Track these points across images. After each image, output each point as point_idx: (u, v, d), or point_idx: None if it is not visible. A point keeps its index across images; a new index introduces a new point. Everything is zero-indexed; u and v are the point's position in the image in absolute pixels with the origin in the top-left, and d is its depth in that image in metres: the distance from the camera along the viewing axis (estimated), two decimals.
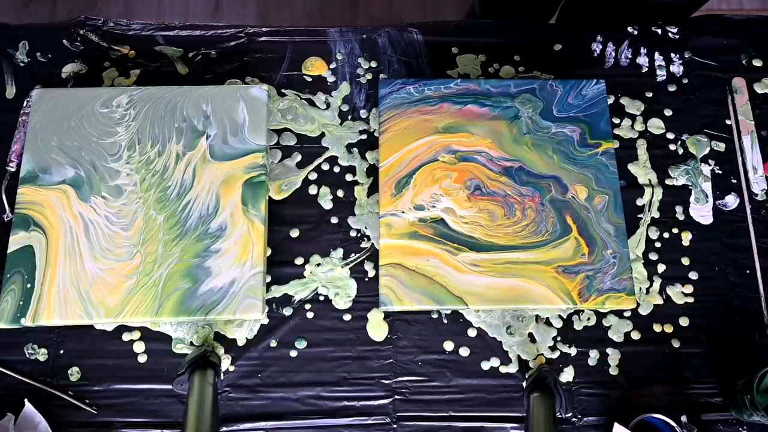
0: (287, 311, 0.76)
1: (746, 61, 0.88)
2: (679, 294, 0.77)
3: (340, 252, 0.78)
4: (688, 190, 0.82)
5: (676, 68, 0.87)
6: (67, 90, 0.80)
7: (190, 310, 0.70)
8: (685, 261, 0.79)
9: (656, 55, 0.88)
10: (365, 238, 0.79)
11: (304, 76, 0.86)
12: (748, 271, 0.79)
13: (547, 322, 0.76)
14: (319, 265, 0.78)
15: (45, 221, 0.72)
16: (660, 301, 0.77)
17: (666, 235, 0.80)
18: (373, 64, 0.87)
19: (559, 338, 0.76)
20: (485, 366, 0.75)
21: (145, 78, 0.85)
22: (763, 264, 0.79)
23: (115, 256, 0.71)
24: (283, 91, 0.85)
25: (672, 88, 0.86)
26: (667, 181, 0.82)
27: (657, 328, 0.76)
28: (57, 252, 0.71)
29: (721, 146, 0.84)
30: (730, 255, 0.79)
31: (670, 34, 0.89)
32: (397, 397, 0.74)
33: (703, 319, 0.77)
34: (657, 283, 0.78)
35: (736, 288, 0.78)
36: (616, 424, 0.68)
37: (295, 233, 0.79)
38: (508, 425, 0.73)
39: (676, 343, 0.75)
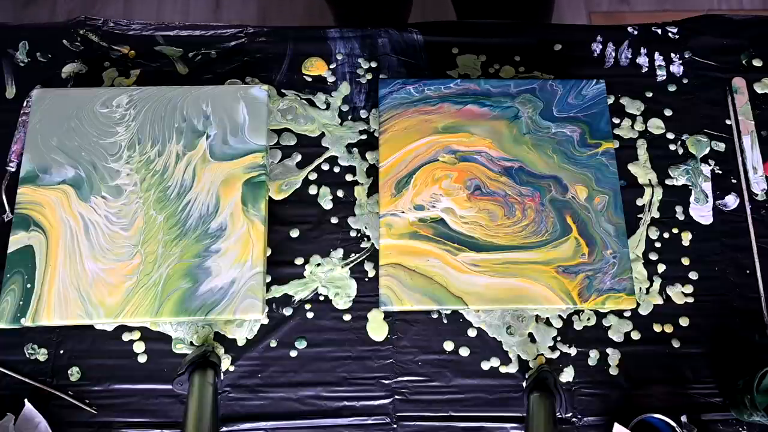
0: (287, 311, 0.76)
1: (746, 61, 0.88)
2: (679, 294, 0.77)
3: (340, 252, 0.78)
4: (688, 190, 0.82)
5: (676, 68, 0.87)
6: (67, 90, 0.80)
7: (190, 310, 0.70)
8: (685, 261, 0.79)
9: (656, 55, 0.88)
10: (365, 238, 0.79)
11: (304, 76, 0.86)
12: (748, 271, 0.79)
13: (547, 322, 0.76)
14: (319, 265, 0.78)
15: (45, 221, 0.72)
16: (660, 301, 0.77)
17: (666, 235, 0.80)
18: (373, 64, 0.87)
19: (559, 338, 0.76)
20: (485, 366, 0.75)
21: (145, 78, 0.85)
22: (763, 264, 0.79)
23: (115, 256, 0.71)
24: (283, 91, 0.85)
25: (672, 88, 0.86)
26: (667, 181, 0.82)
27: (657, 328, 0.76)
28: (57, 252, 0.71)
29: (721, 146, 0.84)
30: (730, 255, 0.79)
31: (670, 34, 0.89)
32: (397, 397, 0.74)
33: (703, 319, 0.77)
34: (657, 283, 0.78)
35: (736, 288, 0.78)
36: (616, 424, 0.68)
37: (295, 233, 0.79)
38: (508, 425, 0.73)
39: (676, 343, 0.75)
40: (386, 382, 0.74)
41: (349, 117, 0.84)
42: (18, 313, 0.69)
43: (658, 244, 0.79)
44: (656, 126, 0.84)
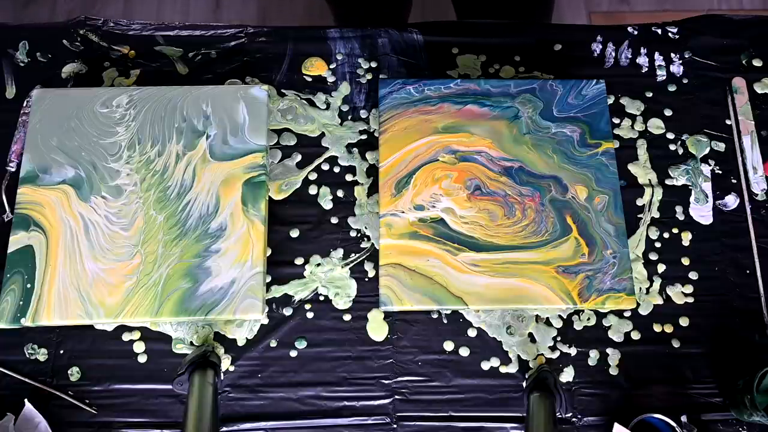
0: (287, 311, 0.76)
1: (746, 61, 0.88)
2: (679, 294, 0.77)
3: (340, 252, 0.78)
4: (688, 190, 0.82)
5: (676, 68, 0.87)
6: (67, 90, 0.80)
7: (190, 310, 0.70)
8: (685, 261, 0.79)
9: (656, 55, 0.88)
10: (365, 238, 0.79)
11: (304, 76, 0.86)
12: (748, 271, 0.79)
13: (547, 322, 0.76)
14: (319, 265, 0.78)
15: (45, 221, 0.72)
16: (660, 301, 0.77)
17: (666, 235, 0.80)
18: (373, 64, 0.87)
19: (559, 338, 0.76)
20: (485, 366, 0.75)
21: (145, 78, 0.85)
22: (763, 264, 0.79)
23: (115, 256, 0.71)
24: (283, 91, 0.85)
25: (672, 88, 0.86)
26: (667, 181, 0.82)
27: (657, 328, 0.76)
28: (57, 252, 0.71)
29: (721, 146, 0.84)
30: (730, 255, 0.79)
31: (670, 34, 0.89)
32: (397, 397, 0.74)
33: (703, 319, 0.77)
34: (657, 283, 0.78)
35: (736, 288, 0.78)
36: (616, 424, 0.68)
37: (295, 233, 0.79)
38: (508, 425, 0.73)
39: (676, 343, 0.75)
40: (386, 382, 0.74)
41: (349, 117, 0.84)
42: (18, 313, 0.69)
43: (658, 244, 0.79)
44: (656, 126, 0.84)
